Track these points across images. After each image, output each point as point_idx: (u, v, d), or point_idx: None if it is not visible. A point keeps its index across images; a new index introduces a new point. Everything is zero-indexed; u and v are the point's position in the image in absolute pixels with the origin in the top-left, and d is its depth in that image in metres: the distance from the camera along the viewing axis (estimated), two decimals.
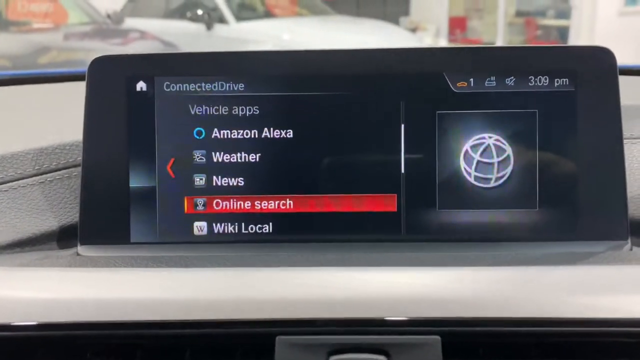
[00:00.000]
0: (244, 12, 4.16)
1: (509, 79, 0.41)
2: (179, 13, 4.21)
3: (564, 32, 5.31)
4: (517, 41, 5.76)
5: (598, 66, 0.41)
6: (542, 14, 5.70)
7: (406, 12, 6.49)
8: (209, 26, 3.95)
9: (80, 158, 0.42)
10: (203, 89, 0.42)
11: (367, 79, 0.42)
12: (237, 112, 0.42)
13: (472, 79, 0.41)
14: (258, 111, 0.42)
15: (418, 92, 0.41)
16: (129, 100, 0.42)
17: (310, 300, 0.33)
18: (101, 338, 0.34)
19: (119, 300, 0.33)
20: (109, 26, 3.54)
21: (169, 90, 0.42)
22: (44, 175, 0.44)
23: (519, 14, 5.89)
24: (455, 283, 0.33)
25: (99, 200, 0.41)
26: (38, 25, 3.29)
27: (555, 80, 0.41)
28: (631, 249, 0.40)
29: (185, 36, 3.81)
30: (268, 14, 4.18)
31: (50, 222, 0.43)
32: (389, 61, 0.42)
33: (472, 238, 0.41)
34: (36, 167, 0.44)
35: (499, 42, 5.69)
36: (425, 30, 5.95)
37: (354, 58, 0.42)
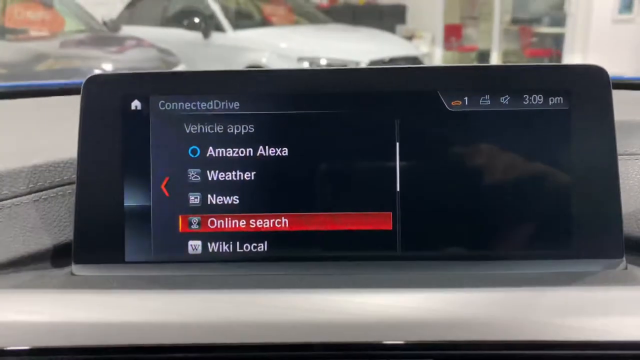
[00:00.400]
0: (241, 20, 4.17)
1: (503, 98, 0.41)
2: (176, 21, 4.22)
3: (559, 39, 5.34)
4: (513, 49, 5.79)
5: (592, 85, 0.41)
6: (538, 21, 5.73)
7: (402, 20, 6.52)
8: (206, 34, 3.96)
9: (74, 176, 0.42)
10: (198, 108, 0.42)
11: (361, 98, 0.42)
12: (232, 131, 0.42)
13: (466, 98, 0.41)
14: (253, 130, 0.42)
15: (413, 110, 0.41)
16: (124, 118, 0.42)
17: (305, 324, 0.33)
18: None
19: (113, 324, 0.33)
20: (106, 34, 3.54)
21: (164, 109, 0.42)
22: (38, 193, 0.44)
23: (514, 21, 5.93)
24: (450, 305, 0.33)
25: (94, 219, 0.41)
26: (35, 33, 3.29)
27: (550, 99, 0.41)
28: (626, 268, 0.40)
29: (182, 44, 3.82)
30: (265, 22, 4.20)
31: (44, 241, 0.43)
32: (383, 80, 0.42)
33: (468, 256, 0.41)
34: (30, 185, 0.44)
35: (495, 50, 5.72)
36: (421, 38, 5.98)
37: (349, 76, 0.42)
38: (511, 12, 5.94)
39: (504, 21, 5.91)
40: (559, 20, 5.34)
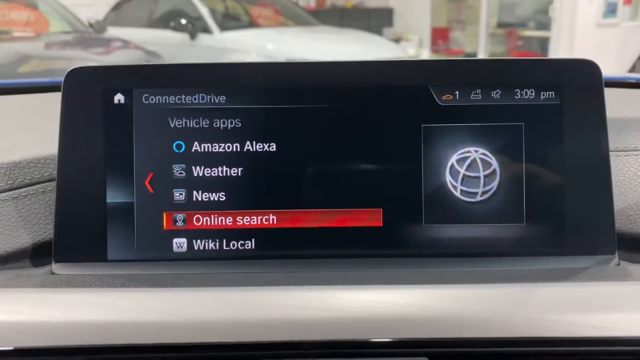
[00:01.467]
0: (228, 21, 4.15)
1: (494, 92, 0.41)
2: (162, 22, 4.19)
3: (544, 43, 5.40)
4: (499, 52, 5.84)
5: (583, 79, 0.41)
6: (523, 25, 5.79)
7: (389, 23, 6.54)
8: (193, 36, 3.94)
9: (55, 172, 0.41)
10: (183, 102, 0.41)
11: (351, 92, 0.41)
12: (218, 125, 0.41)
13: (457, 92, 0.41)
14: (240, 124, 0.41)
15: (403, 105, 0.41)
16: (107, 112, 0.40)
17: (294, 322, 0.32)
18: None
19: (94, 324, 0.32)
20: (91, 35, 3.51)
21: (147, 102, 0.41)
22: (17, 190, 0.43)
23: (500, 25, 5.98)
24: (442, 302, 0.33)
25: (75, 217, 0.40)
26: (19, 34, 3.24)
27: (541, 93, 0.41)
28: (618, 264, 0.40)
29: (169, 46, 3.79)
30: (252, 24, 4.18)
31: (23, 239, 0.42)
32: (373, 74, 0.41)
33: (459, 253, 0.40)
34: (9, 182, 0.43)
35: (481, 53, 5.77)
36: (408, 41, 6.01)
37: (338, 70, 0.41)
38: (497, 16, 6.00)
39: (490, 25, 5.96)
40: (545, 24, 5.39)
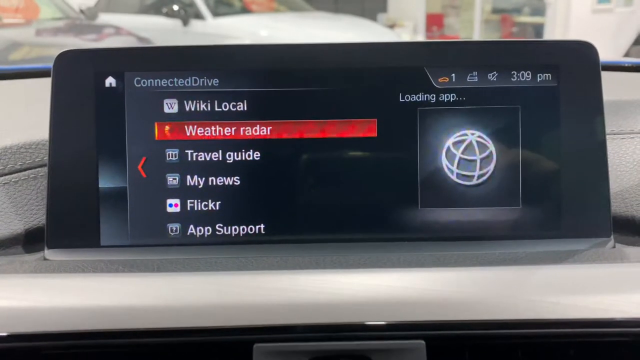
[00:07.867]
0: (220, 7, 4.11)
1: (491, 74, 0.40)
2: (154, 8, 4.15)
3: (539, 29, 5.39)
4: (494, 38, 5.82)
5: (580, 61, 0.40)
6: (518, 11, 5.77)
7: (384, 9, 6.51)
8: (185, 22, 3.90)
9: (47, 157, 0.40)
10: (175, 85, 0.40)
11: (346, 74, 0.40)
12: (211, 109, 0.40)
13: (454, 74, 0.40)
14: (233, 107, 0.40)
15: (399, 87, 0.40)
16: (98, 96, 0.40)
17: (288, 306, 0.31)
18: (68, 348, 0.32)
19: (87, 309, 0.32)
20: (83, 22, 3.47)
21: (139, 85, 0.40)
22: (8, 176, 0.42)
23: (495, 11, 5.96)
24: (439, 285, 0.32)
25: (67, 202, 0.39)
26: (8, 20, 3.20)
27: (538, 75, 0.40)
28: (614, 247, 0.40)
29: (161, 32, 3.76)
30: (245, 10, 4.14)
31: (15, 225, 0.41)
32: (369, 56, 0.40)
33: (455, 237, 0.40)
34: (0, 167, 0.42)
35: (476, 39, 5.75)
36: (402, 27, 5.98)
37: (333, 52, 0.40)
38: (492, 1, 5.98)
39: (485, 10, 5.95)
40: (539, 9, 5.38)
